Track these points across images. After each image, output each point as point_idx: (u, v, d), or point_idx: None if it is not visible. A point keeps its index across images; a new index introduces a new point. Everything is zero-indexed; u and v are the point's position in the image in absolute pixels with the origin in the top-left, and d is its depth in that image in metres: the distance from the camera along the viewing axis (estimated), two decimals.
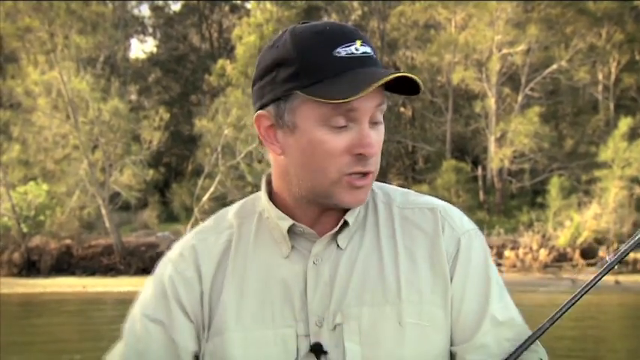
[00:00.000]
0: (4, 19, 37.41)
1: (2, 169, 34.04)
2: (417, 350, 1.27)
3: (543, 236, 33.68)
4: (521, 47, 38.99)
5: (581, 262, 32.82)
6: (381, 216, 1.34)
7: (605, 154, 34.72)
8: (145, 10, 59.36)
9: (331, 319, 1.25)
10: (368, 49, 1.23)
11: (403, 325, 1.26)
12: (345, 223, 1.29)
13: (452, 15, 41.60)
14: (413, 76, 1.22)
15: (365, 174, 1.25)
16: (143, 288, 1.35)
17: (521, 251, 33.18)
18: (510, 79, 40.80)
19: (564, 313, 1.29)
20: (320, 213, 1.29)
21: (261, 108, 1.26)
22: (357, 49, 1.22)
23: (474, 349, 1.30)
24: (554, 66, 39.78)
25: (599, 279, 1.33)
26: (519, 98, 39.95)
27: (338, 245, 1.29)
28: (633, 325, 19.97)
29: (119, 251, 33.12)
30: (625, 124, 35.10)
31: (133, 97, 44.97)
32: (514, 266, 32.83)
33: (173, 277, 1.30)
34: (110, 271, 32.49)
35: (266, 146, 1.29)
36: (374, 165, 1.25)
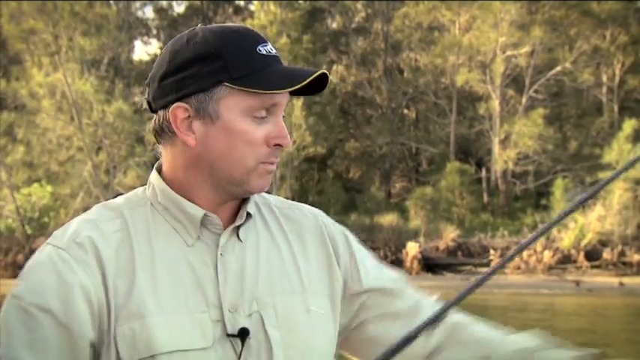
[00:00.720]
0: (9, 21, 37.52)
1: (6, 171, 34.10)
2: (324, 336, 1.40)
3: (547, 238, 33.61)
4: (526, 49, 38.98)
5: (586, 264, 32.78)
6: (265, 213, 1.45)
7: (609, 155, 34.67)
8: (148, 12, 59.52)
9: (247, 306, 1.32)
10: (275, 51, 1.35)
11: (310, 312, 1.38)
12: (248, 215, 1.38)
13: (456, 17, 41.61)
14: (327, 73, 1.32)
15: (274, 163, 1.35)
16: (17, 280, 1.28)
17: (525, 253, 33.12)
18: (514, 80, 40.80)
19: (456, 303, 1.41)
20: (221, 204, 1.36)
21: (177, 100, 1.31)
22: (271, 49, 1.33)
23: (389, 280, 1.55)
24: (559, 68, 39.77)
25: (491, 275, 1.56)
26: (523, 100, 39.94)
27: (239, 237, 1.37)
28: (637, 328, 19.92)
29: None
30: (629, 125, 35.06)
31: (137, 98, 45.03)
32: (518, 268, 32.81)
33: (69, 262, 1.26)
34: None
35: (179, 137, 1.32)
36: (279, 155, 1.36)
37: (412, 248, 32.85)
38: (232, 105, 1.29)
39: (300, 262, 1.42)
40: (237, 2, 51.08)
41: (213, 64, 1.29)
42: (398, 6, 43.98)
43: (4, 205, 33.81)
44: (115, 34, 41.99)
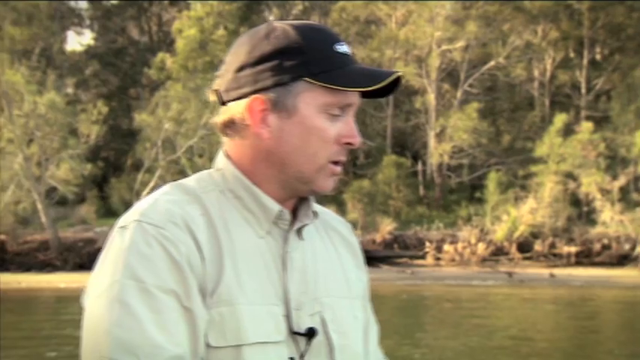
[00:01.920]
0: None
1: None
2: (364, 342, 1.43)
3: (481, 230, 34.22)
4: (460, 44, 39.53)
5: (518, 255, 33.48)
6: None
7: (540, 149, 35.44)
8: (82, 3, 58.31)
9: (309, 306, 1.33)
10: (351, 51, 1.37)
11: (356, 319, 1.41)
12: (315, 215, 1.40)
13: (392, 11, 41.94)
14: (402, 75, 1.34)
15: (342, 164, 1.37)
16: (118, 264, 1.22)
17: (459, 245, 33.66)
18: (450, 75, 41.36)
19: None
20: (284, 201, 1.35)
21: (255, 92, 1.30)
22: (347, 49, 1.34)
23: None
24: (492, 62, 40.46)
25: None
26: (458, 94, 40.53)
27: (301, 237, 1.37)
28: (566, 317, 20.47)
29: (56, 247, 32.50)
30: (560, 120, 35.90)
31: (70, 90, 44.12)
32: (453, 260, 33.31)
33: (175, 242, 1.23)
34: (46, 267, 31.84)
35: (252, 129, 1.31)
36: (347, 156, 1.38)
37: None
38: (310, 100, 1.30)
39: (345, 266, 1.45)
40: None
41: (294, 58, 1.29)
42: (335, 0, 44.10)
43: None
44: (47, 23, 40.99)
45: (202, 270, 1.24)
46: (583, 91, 42.66)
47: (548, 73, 42.80)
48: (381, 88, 1.31)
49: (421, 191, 40.11)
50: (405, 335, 15.42)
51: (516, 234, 33.62)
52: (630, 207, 33.65)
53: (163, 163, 34.58)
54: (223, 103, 1.35)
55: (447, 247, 33.62)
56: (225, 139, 1.37)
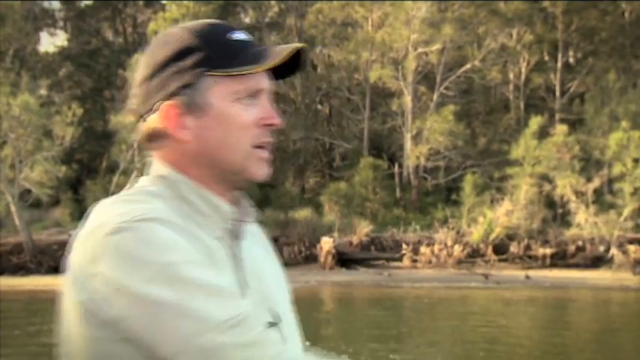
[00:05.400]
0: None
1: None
2: (302, 343, 1.44)
3: (457, 232, 34.34)
4: (437, 46, 39.69)
5: (494, 257, 33.64)
6: None
7: (516, 152, 35.66)
8: (55, 3, 57.79)
9: (264, 301, 1.34)
10: (250, 37, 1.38)
11: (292, 312, 1.44)
12: (254, 213, 1.43)
13: (369, 13, 42.01)
14: (307, 47, 1.36)
15: (268, 148, 1.37)
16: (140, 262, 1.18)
17: (436, 247, 33.76)
18: (426, 77, 41.50)
19: None
20: (224, 197, 1.36)
21: (165, 99, 1.31)
22: (245, 35, 1.36)
23: None
24: (468, 65, 40.66)
25: None
26: (434, 97, 40.67)
27: (243, 234, 1.39)
28: (543, 318, 20.60)
29: (30, 249, 32.17)
30: (535, 122, 36.15)
31: (44, 91, 43.69)
32: (429, 262, 33.38)
33: (191, 241, 1.23)
34: (20, 269, 31.50)
35: (173, 136, 1.31)
36: (272, 137, 1.38)
37: (326, 243, 33.01)
38: (219, 93, 1.31)
39: (276, 261, 1.49)
40: None
41: (192, 57, 1.31)
42: (311, 2, 44.10)
43: None
44: (20, 24, 40.57)
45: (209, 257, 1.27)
46: (557, 93, 43.02)
47: (523, 76, 43.10)
48: (291, 65, 1.35)
49: (398, 193, 40.19)
50: (387, 339, 15.42)
51: (492, 236, 33.78)
52: (604, 209, 33.94)
53: (139, 165, 34.34)
54: (141, 118, 1.35)
55: (423, 249, 33.70)
56: (152, 153, 1.36)
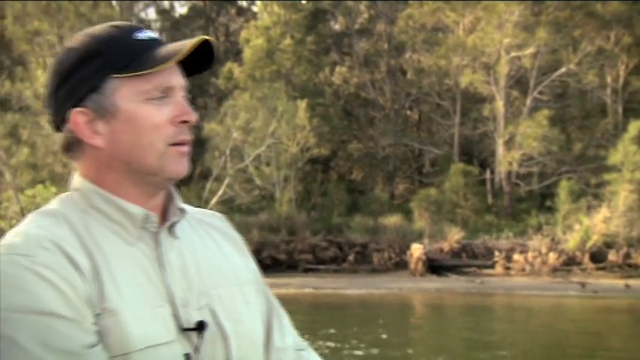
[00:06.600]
0: (13, 22, 37.56)
1: (11, 172, 34.15)
2: (260, 325, 1.45)
3: (552, 240, 33.60)
4: (530, 50, 38.93)
5: (591, 265, 32.73)
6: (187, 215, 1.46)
7: (614, 157, 34.63)
8: (151, 14, 59.55)
9: (196, 300, 1.34)
10: (156, 35, 1.37)
11: (248, 304, 1.43)
12: (182, 212, 1.39)
13: (460, 18, 41.57)
14: (211, 40, 1.34)
15: (187, 143, 1.35)
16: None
17: (530, 255, 33.10)
18: (518, 82, 40.74)
19: None
20: (146, 201, 1.35)
21: (73, 107, 1.31)
22: (151, 34, 1.35)
23: None
24: (563, 69, 39.72)
25: None
26: (528, 101, 39.90)
27: (174, 235, 1.37)
28: None
29: None
30: (634, 127, 35.02)
31: None
32: (523, 270, 32.77)
33: (50, 267, 1.22)
34: None
35: (86, 142, 1.32)
36: (190, 134, 1.36)
37: (417, 250, 32.82)
38: (127, 94, 1.30)
39: (228, 256, 1.46)
40: (240, 3, 51.12)
41: (95, 61, 1.31)
42: (401, 7, 43.96)
43: (9, 206, 33.85)
44: None
45: (84, 287, 1.23)
46: None
47: (621, 80, 41.77)
48: (201, 60, 1.34)
49: (489, 200, 39.59)
50: (480, 347, 15.21)
51: (589, 244, 32.89)
52: None
53: (231, 171, 34.97)
54: (58, 130, 1.35)
55: (516, 256, 33.09)
56: (74, 164, 1.37)
